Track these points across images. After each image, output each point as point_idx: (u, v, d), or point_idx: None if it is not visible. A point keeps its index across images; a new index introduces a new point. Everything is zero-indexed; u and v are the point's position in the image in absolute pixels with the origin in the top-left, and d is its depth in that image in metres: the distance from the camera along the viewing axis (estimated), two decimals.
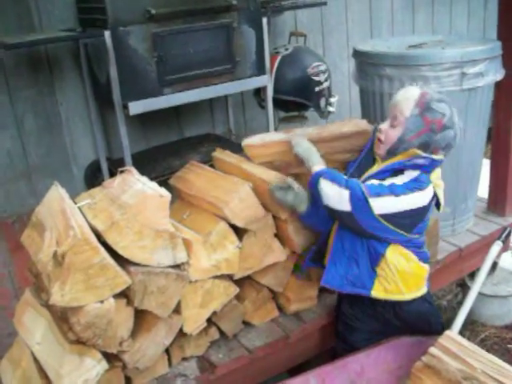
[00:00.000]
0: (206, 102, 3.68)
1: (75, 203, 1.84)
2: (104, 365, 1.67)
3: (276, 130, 3.57)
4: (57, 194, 1.84)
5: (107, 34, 2.62)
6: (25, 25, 3.07)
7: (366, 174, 1.92)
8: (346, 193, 1.74)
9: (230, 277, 1.97)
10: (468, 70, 2.29)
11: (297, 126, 3.75)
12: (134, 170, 1.94)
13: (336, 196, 1.75)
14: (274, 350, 2.06)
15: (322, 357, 2.27)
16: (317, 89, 3.44)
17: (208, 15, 2.86)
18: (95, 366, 1.64)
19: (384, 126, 1.87)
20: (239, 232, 1.94)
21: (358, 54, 2.63)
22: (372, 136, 2.02)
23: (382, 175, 1.85)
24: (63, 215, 1.66)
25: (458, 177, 2.56)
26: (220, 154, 2.21)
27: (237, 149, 2.54)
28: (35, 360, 1.74)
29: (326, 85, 3.49)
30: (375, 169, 1.92)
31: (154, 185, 1.78)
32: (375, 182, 1.81)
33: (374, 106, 2.56)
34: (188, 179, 2.09)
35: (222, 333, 2.05)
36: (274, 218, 2.01)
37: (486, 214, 2.92)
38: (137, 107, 2.75)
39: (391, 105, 1.88)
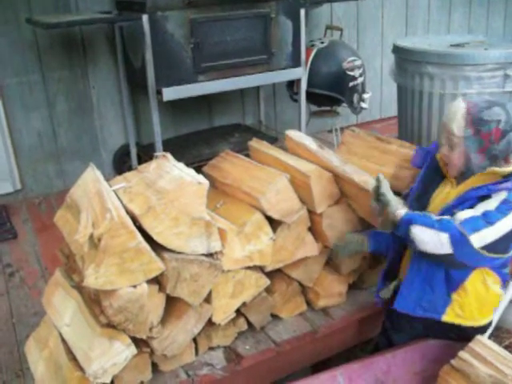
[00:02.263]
0: (238, 92, 3.67)
1: (110, 186, 1.82)
2: (133, 350, 1.65)
3: (307, 124, 3.54)
4: (92, 175, 1.83)
5: (145, 18, 2.61)
6: (61, 5, 3.07)
7: (445, 203, 1.79)
8: (444, 236, 1.62)
9: (261, 269, 1.95)
10: (511, 71, 2.23)
11: (328, 121, 3.73)
12: (170, 156, 1.92)
13: (434, 241, 1.64)
14: (301, 344, 2.04)
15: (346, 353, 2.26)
16: (351, 84, 3.40)
17: (246, 4, 2.84)
18: (124, 350, 1.63)
19: (443, 150, 1.76)
20: (273, 224, 1.92)
21: (398, 50, 2.58)
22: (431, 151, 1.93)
23: (468, 203, 1.72)
24: (99, 197, 1.64)
25: None
26: (257, 143, 2.19)
27: (267, 140, 2.51)
28: (63, 341, 1.73)
29: (360, 80, 3.44)
30: (453, 194, 1.79)
31: (191, 171, 1.77)
32: (466, 213, 1.67)
33: (412, 104, 2.52)
34: (223, 168, 2.07)
35: (249, 324, 2.03)
36: (309, 211, 1.98)
37: None
38: (171, 93, 2.74)
39: (442, 126, 1.76)
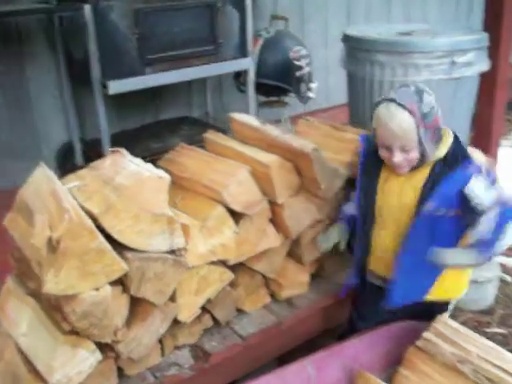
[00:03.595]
0: (184, 84, 3.59)
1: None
2: (98, 356, 1.58)
3: (257, 115, 3.50)
4: (44, 174, 1.73)
5: (87, 8, 2.50)
6: None
7: (405, 195, 1.81)
8: None
9: (224, 263, 1.91)
10: (458, 58, 2.29)
11: (277, 111, 3.71)
12: (125, 151, 1.84)
13: None
14: (267, 337, 2.02)
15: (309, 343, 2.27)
16: (298, 73, 3.40)
17: None
18: (89, 357, 1.55)
19: (397, 158, 1.73)
20: (234, 217, 1.88)
21: (348, 39, 2.59)
22: (365, 147, 1.93)
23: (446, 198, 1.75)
24: (55, 197, 1.55)
25: None
26: (212, 135, 2.14)
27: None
28: (20, 352, 1.64)
29: (306, 70, 3.45)
30: (409, 186, 1.80)
31: (149, 166, 1.70)
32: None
33: (363, 92, 2.54)
34: (180, 162, 2.01)
35: (214, 320, 1.99)
36: (270, 202, 1.96)
37: None
38: (117, 86, 2.65)
39: (389, 135, 1.71)
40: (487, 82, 2.50)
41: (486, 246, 1.74)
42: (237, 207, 1.83)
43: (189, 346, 1.92)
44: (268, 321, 2.06)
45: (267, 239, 2.00)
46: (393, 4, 4.69)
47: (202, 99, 3.77)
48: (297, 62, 3.37)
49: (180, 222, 1.67)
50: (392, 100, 1.68)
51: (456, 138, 1.82)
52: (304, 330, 2.17)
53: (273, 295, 2.17)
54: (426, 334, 1.88)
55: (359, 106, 2.60)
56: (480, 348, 1.80)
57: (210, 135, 2.16)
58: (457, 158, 1.76)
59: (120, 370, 1.74)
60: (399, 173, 1.81)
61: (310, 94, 3.57)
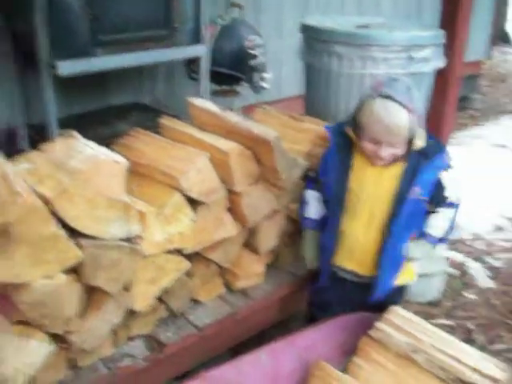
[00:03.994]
0: (135, 69, 3.47)
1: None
2: (50, 347, 1.51)
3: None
4: None
5: None
6: None
7: (383, 185, 1.87)
8: None
9: (180, 252, 1.86)
10: (415, 54, 2.32)
11: (228, 101, 3.67)
12: (78, 135, 1.77)
13: None
14: (222, 327, 1.99)
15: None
16: (252, 63, 3.36)
17: None
18: (40, 348, 1.48)
19: (385, 153, 1.78)
20: (191, 205, 1.84)
21: (306, 29, 2.59)
22: (334, 138, 1.96)
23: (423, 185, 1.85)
24: (5, 180, 1.46)
25: None
26: (169, 121, 2.08)
27: None
28: None
29: (261, 59, 3.41)
30: (387, 175, 1.86)
31: (105, 150, 1.63)
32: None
33: (320, 84, 2.54)
34: (135, 147, 1.94)
35: (168, 310, 1.94)
36: (228, 191, 1.92)
37: None
38: (67, 67, 2.52)
39: (383, 132, 1.75)
40: (441, 78, 2.56)
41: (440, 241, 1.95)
42: (195, 195, 1.79)
43: (143, 336, 1.87)
44: (223, 311, 2.03)
45: (224, 228, 1.97)
46: None
47: (153, 86, 3.68)
48: (251, 51, 3.33)
49: (137, 209, 1.61)
50: (388, 97, 1.71)
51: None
52: (259, 321, 2.16)
53: (228, 285, 2.14)
54: (379, 324, 1.90)
55: (316, 98, 2.61)
56: (432, 337, 1.84)
57: (167, 121, 2.10)
58: (433, 147, 1.85)
59: (72, 361, 1.67)
60: (377, 163, 1.84)
61: (264, 85, 3.54)
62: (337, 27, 2.44)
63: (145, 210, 1.67)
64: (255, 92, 3.55)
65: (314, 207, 2.05)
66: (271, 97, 4.21)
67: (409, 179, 1.82)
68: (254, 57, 3.37)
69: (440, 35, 2.42)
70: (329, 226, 1.97)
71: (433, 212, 1.95)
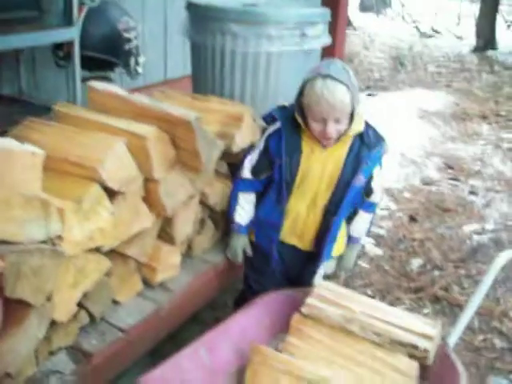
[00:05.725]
0: None
1: None
2: None
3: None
4: None
5: None
6: None
7: (327, 168, 1.96)
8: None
9: (98, 250, 1.69)
10: (307, 31, 2.35)
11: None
12: None
13: None
14: (148, 326, 1.86)
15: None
16: (127, 47, 3.17)
17: None
18: None
19: (331, 129, 1.85)
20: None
21: (194, 8, 2.48)
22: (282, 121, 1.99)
23: (364, 168, 1.96)
24: None
25: None
26: (65, 107, 1.87)
27: (39, 111, 2.18)
28: None
29: (135, 43, 3.23)
30: (332, 159, 1.95)
31: (13, 141, 1.41)
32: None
33: (212, 64, 2.46)
34: (33, 138, 1.70)
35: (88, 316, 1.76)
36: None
37: None
38: None
39: (328, 109, 1.82)
40: (327, 55, 2.63)
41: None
42: (115, 185, 1.63)
43: (65, 349, 1.67)
44: (146, 309, 1.89)
45: (140, 220, 1.83)
46: None
47: (14, 74, 3.30)
48: (126, 34, 3.13)
49: (56, 206, 1.42)
50: (327, 75, 1.79)
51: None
52: (181, 314, 2.06)
53: (145, 281, 2.00)
54: (310, 300, 1.91)
55: (207, 78, 2.53)
56: (362, 305, 1.89)
57: (62, 107, 1.88)
58: (374, 137, 1.98)
59: None
60: (325, 145, 1.93)
61: (139, 69, 3.36)
62: (232, 5, 2.38)
63: (62, 206, 1.48)
64: (130, 77, 3.35)
65: (246, 212, 2.09)
66: (152, 80, 4.04)
67: (353, 166, 1.94)
68: (129, 40, 3.18)
69: (327, 13, 2.49)
70: (273, 204, 2.01)
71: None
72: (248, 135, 2.06)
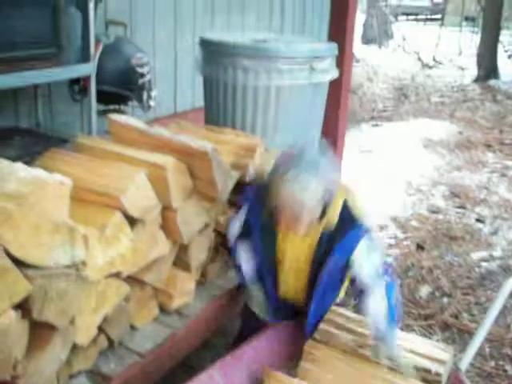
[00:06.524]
0: (10, 90, 3.20)
1: None
2: None
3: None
4: None
5: None
6: None
7: (303, 255, 1.96)
8: None
9: (118, 276, 1.75)
10: (316, 65, 2.45)
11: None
12: None
13: None
14: (164, 350, 1.90)
15: None
16: (140, 81, 3.29)
17: None
18: None
19: (304, 222, 1.81)
20: None
21: (207, 44, 2.60)
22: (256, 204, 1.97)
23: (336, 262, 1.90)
24: None
25: None
26: (86, 140, 1.96)
27: (57, 143, 2.28)
28: None
29: (148, 77, 3.36)
30: (305, 245, 1.93)
31: (40, 170, 1.49)
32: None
33: (224, 97, 2.56)
34: (58, 169, 1.78)
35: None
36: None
37: None
38: None
39: (300, 206, 1.75)
40: (335, 88, 2.73)
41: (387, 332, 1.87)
42: (135, 213, 1.70)
43: (84, 372, 1.71)
44: (162, 334, 1.94)
45: (157, 247, 1.89)
46: (216, 13, 4.82)
47: (32, 108, 3.41)
48: (139, 69, 3.26)
49: (82, 233, 1.49)
50: (298, 172, 1.72)
51: (348, 196, 1.93)
52: (195, 339, 2.10)
53: (161, 307, 2.05)
54: (322, 325, 1.96)
55: (220, 111, 2.62)
56: None
57: (83, 140, 1.97)
58: (346, 222, 1.87)
59: None
60: (297, 233, 1.89)
61: (151, 103, 3.48)
62: (243, 41, 2.49)
63: (87, 232, 1.54)
64: (143, 110, 3.47)
65: (248, 265, 2.08)
66: (162, 113, 4.16)
67: (321, 255, 1.91)
68: (142, 75, 3.30)
69: (335, 47, 2.59)
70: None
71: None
72: (261, 165, 2.14)
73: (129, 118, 2.04)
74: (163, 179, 1.77)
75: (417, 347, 1.85)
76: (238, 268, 2.11)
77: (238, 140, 2.16)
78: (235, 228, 2.06)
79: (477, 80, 10.27)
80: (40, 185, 1.39)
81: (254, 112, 2.50)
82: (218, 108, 2.63)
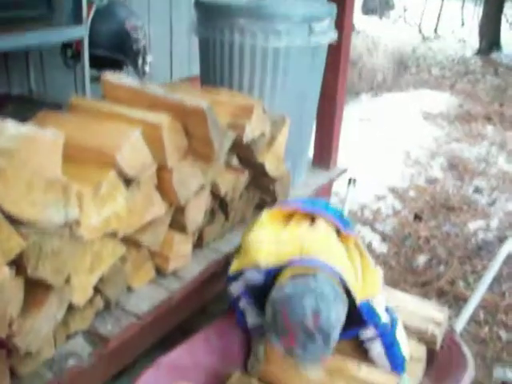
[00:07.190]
0: (1, 56, 3.15)
1: None
2: None
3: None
4: None
5: None
6: None
7: None
8: None
9: (113, 236, 1.73)
10: (315, 26, 2.40)
11: None
12: None
13: None
14: (161, 312, 1.90)
15: None
16: (135, 46, 3.23)
17: None
18: None
19: None
20: None
21: (202, 5, 2.54)
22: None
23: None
24: None
25: (300, 131, 2.68)
26: (79, 100, 1.92)
27: (51, 108, 2.21)
28: None
29: (143, 42, 3.29)
30: None
31: (32, 127, 1.46)
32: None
33: (221, 58, 2.50)
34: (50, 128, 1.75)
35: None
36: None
37: (312, 168, 3.13)
38: None
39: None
40: (334, 51, 2.67)
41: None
42: (130, 171, 1.67)
43: (81, 333, 1.71)
44: (159, 296, 1.93)
45: (153, 208, 1.87)
46: None
47: (23, 74, 3.35)
48: (134, 34, 3.20)
49: (76, 190, 1.47)
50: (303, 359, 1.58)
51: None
52: (193, 301, 2.10)
53: (157, 269, 2.04)
54: None
55: (216, 74, 2.57)
56: None
57: (76, 100, 1.93)
58: (352, 321, 1.68)
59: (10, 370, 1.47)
60: None
61: (147, 68, 3.43)
62: (237, 1, 2.42)
63: (81, 190, 1.52)
64: (138, 76, 3.41)
65: (252, 314, 1.93)
66: (158, 80, 4.10)
67: None
68: (137, 40, 3.24)
69: (334, 8, 2.53)
70: None
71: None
72: (258, 126, 2.10)
73: (123, 77, 1.99)
74: (158, 138, 1.74)
75: (412, 308, 1.84)
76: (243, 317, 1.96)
77: (235, 100, 2.12)
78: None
79: (478, 53, 10.17)
80: (31, 140, 1.36)
81: (252, 75, 2.45)
82: (214, 72, 2.58)
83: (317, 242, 1.78)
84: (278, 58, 2.40)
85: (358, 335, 1.77)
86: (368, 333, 1.74)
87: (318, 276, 1.59)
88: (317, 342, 1.51)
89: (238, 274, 1.84)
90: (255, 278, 1.77)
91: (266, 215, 1.97)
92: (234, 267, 1.86)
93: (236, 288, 1.89)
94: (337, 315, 1.54)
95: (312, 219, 1.93)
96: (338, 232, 1.89)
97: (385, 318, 1.69)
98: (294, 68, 2.45)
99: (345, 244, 1.84)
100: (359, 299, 1.66)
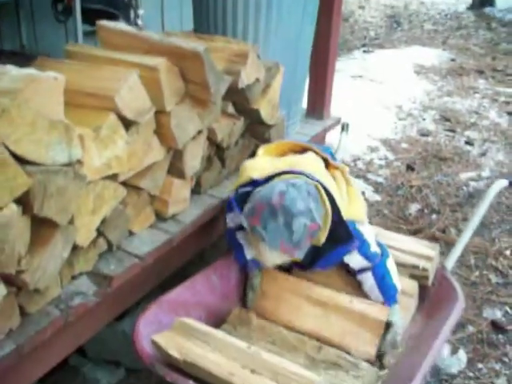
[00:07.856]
0: None
1: None
2: (1, 290, 1.37)
3: None
4: None
5: None
6: None
7: None
8: None
9: (115, 178, 1.77)
10: None
11: None
12: None
13: None
14: (162, 254, 1.95)
15: None
16: None
17: None
18: None
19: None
20: None
21: None
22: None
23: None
24: None
25: (294, 80, 2.69)
26: (76, 47, 1.92)
27: None
28: None
29: None
30: None
31: (31, 69, 1.47)
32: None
33: (214, 6, 2.49)
34: None
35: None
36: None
37: (306, 118, 3.16)
38: None
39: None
40: (326, 1, 2.66)
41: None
42: (129, 114, 1.69)
43: (86, 273, 1.76)
44: (160, 238, 1.98)
45: (152, 152, 1.90)
46: None
47: (15, 30, 3.33)
48: None
49: (77, 131, 1.49)
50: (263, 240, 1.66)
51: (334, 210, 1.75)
52: (193, 245, 2.16)
53: (157, 213, 2.08)
54: None
55: (209, 22, 2.56)
56: None
57: (72, 47, 1.93)
58: (338, 237, 1.76)
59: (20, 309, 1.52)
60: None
61: (139, 22, 3.41)
62: None
63: (83, 132, 1.55)
64: None
65: (249, 247, 1.95)
66: None
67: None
68: None
69: None
70: None
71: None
72: (253, 72, 2.12)
73: (118, 23, 1.99)
74: (156, 81, 1.75)
75: (404, 245, 1.91)
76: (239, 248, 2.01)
77: (230, 46, 2.13)
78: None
79: (471, 7, 10.06)
80: (34, 80, 1.37)
81: (245, 17, 2.44)
82: (207, 20, 2.56)
83: (306, 162, 1.92)
84: (271, 4, 2.40)
85: (348, 265, 1.86)
86: (355, 260, 1.81)
87: (300, 177, 1.73)
88: (278, 220, 1.60)
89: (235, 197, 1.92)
90: (247, 189, 1.86)
91: (261, 150, 2.10)
92: (230, 188, 1.98)
93: (231, 217, 1.98)
94: (305, 205, 1.63)
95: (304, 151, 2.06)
96: (327, 164, 2.00)
97: (374, 248, 1.77)
98: (288, 14, 2.44)
99: (332, 174, 1.95)
100: (345, 216, 1.75)
